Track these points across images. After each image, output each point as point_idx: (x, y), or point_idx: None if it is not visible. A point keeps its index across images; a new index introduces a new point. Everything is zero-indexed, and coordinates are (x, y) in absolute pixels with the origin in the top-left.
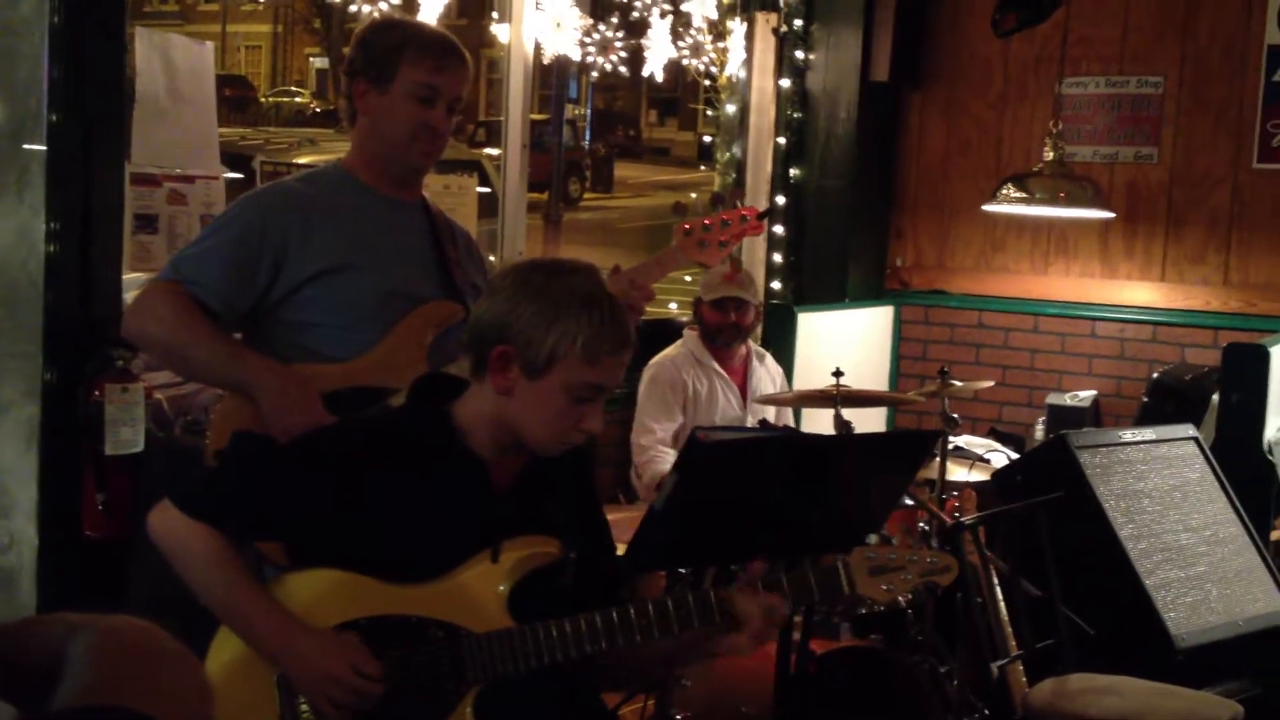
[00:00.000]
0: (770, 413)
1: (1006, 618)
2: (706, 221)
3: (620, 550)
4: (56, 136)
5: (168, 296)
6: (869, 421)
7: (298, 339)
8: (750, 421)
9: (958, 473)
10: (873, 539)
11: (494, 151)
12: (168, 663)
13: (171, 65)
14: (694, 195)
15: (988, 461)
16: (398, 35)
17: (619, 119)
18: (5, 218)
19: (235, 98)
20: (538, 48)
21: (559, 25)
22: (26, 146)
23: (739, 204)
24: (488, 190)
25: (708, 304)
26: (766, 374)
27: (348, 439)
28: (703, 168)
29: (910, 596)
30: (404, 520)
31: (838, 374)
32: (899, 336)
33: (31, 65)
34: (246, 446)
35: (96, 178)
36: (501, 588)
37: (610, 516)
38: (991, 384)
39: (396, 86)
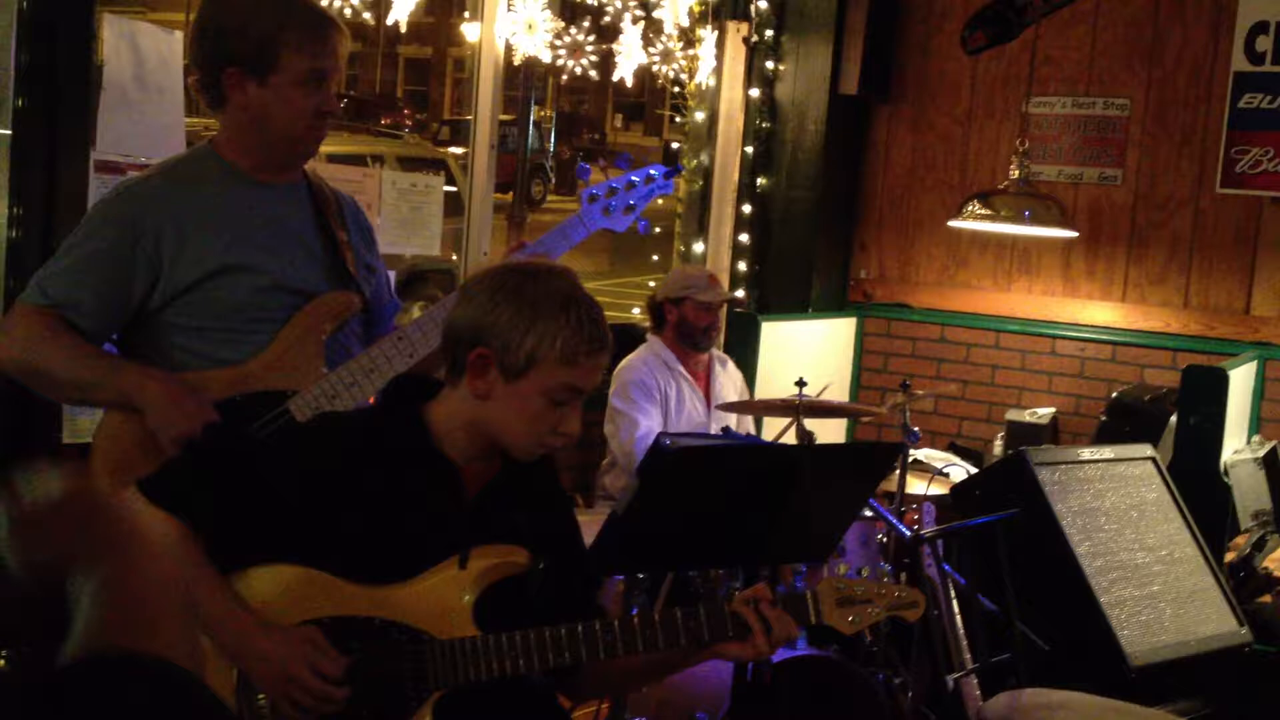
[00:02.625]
0: (731, 420)
1: (962, 631)
2: (612, 184)
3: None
4: (22, 121)
5: (33, 319)
6: (829, 432)
7: (186, 342)
8: (713, 428)
9: (917, 486)
10: (842, 568)
11: (458, 150)
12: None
13: (139, 53)
14: (659, 201)
15: (947, 475)
16: (271, 19)
17: (584, 122)
18: None
19: None
20: (508, 48)
21: (531, 27)
22: None
23: (647, 163)
24: (452, 189)
25: (696, 304)
26: (729, 379)
27: (319, 438)
28: None
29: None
30: (373, 521)
31: (800, 384)
32: (861, 348)
33: None
34: (216, 438)
35: (61, 164)
36: (467, 596)
37: None
38: (955, 385)
39: (282, 77)
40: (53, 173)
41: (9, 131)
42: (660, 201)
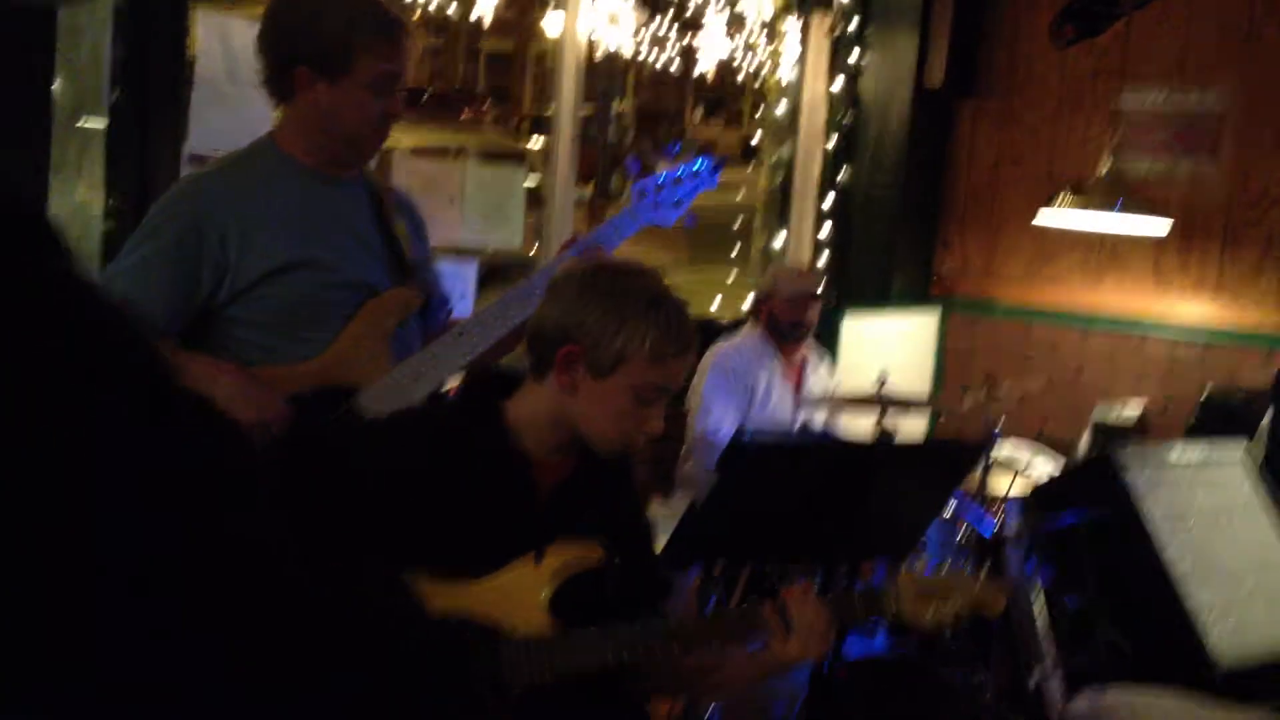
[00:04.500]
0: (820, 416)
1: (1045, 631)
2: (660, 180)
3: (659, 545)
4: (117, 115)
5: None
6: (909, 428)
7: (250, 338)
8: (799, 421)
9: (1000, 484)
10: (920, 565)
11: (540, 143)
12: None
13: (231, 47)
14: (740, 194)
15: (1030, 474)
16: (347, 20)
17: (664, 116)
18: (64, 193)
19: None
20: (590, 42)
21: (614, 20)
22: (87, 124)
23: (694, 156)
24: (534, 183)
25: (783, 300)
26: (821, 379)
27: (396, 433)
28: (750, 168)
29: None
30: (449, 517)
31: (882, 379)
32: (943, 344)
33: (95, 42)
34: (294, 435)
35: (153, 157)
36: (543, 592)
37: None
38: (1040, 382)
39: (354, 79)
40: (146, 166)
41: (104, 125)
42: (740, 196)
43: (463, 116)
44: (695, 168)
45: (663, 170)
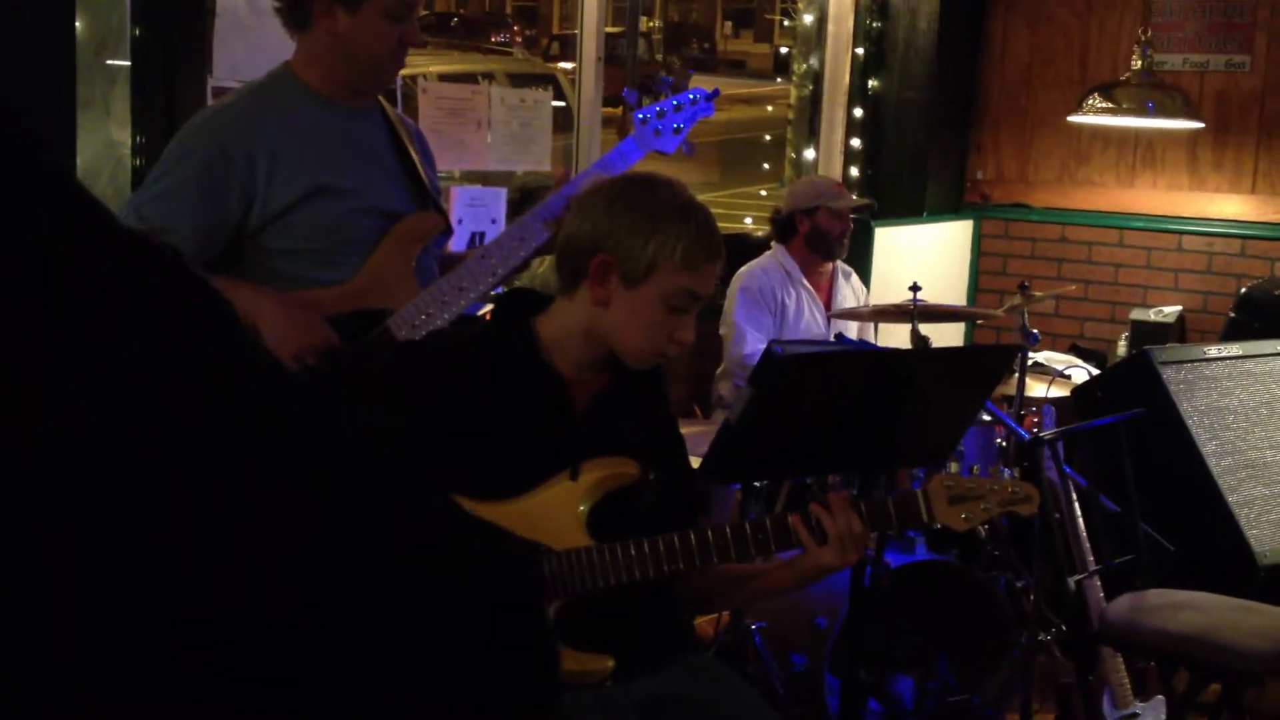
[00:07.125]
0: (852, 329)
1: (1085, 533)
2: (660, 106)
3: (696, 464)
4: (140, 50)
5: None
6: (947, 337)
7: (279, 266)
8: (830, 337)
9: (1037, 389)
10: (953, 467)
11: (568, 65)
12: None
13: None
14: (769, 108)
15: (1068, 377)
16: None
17: (693, 31)
18: (92, 131)
19: None
20: None
21: None
22: (111, 62)
23: (687, 84)
24: (562, 104)
25: (830, 212)
26: (851, 292)
27: (430, 355)
28: (779, 80)
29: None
30: (485, 437)
31: (915, 289)
32: (978, 251)
33: None
34: (329, 364)
35: (179, 91)
36: (581, 507)
37: (686, 431)
38: (1074, 287)
39: (371, 6)
40: (172, 100)
41: (128, 62)
42: (770, 109)
43: (492, 40)
44: (692, 95)
45: (661, 101)
